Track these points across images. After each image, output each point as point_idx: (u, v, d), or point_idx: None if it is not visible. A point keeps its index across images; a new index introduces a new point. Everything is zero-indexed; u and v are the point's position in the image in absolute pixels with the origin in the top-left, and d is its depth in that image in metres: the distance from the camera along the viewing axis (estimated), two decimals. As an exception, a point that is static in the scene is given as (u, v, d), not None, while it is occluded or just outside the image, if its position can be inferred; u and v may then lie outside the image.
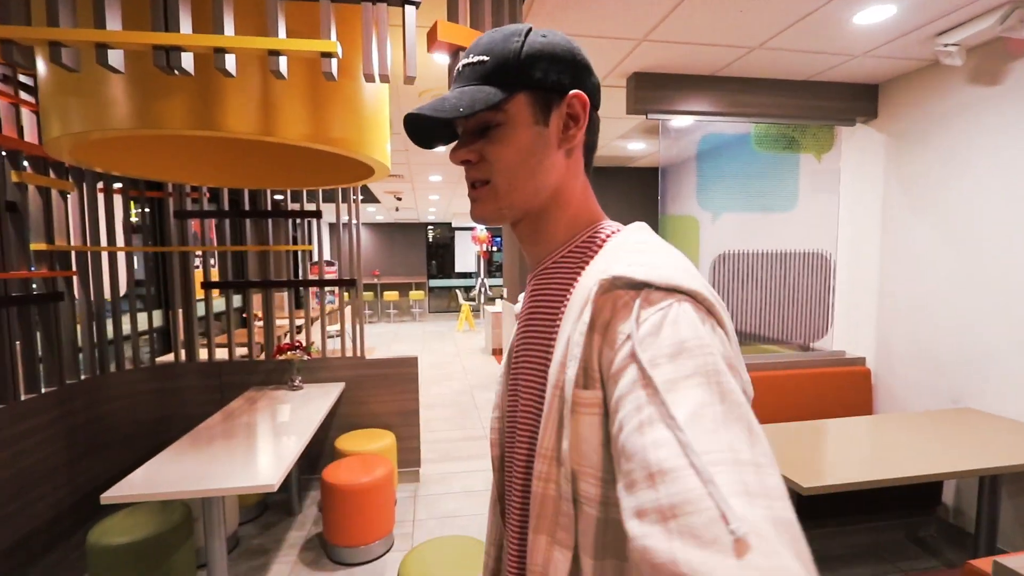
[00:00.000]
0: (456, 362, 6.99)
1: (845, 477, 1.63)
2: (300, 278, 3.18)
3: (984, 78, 2.30)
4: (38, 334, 2.38)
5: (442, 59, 2.22)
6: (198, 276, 3.12)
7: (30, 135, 2.27)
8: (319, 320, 3.30)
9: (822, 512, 2.40)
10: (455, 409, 4.76)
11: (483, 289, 10.91)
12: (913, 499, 2.51)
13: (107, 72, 1.14)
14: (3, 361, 2.14)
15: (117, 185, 2.82)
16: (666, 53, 2.41)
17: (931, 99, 2.54)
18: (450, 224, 13.25)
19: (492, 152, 0.54)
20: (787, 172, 3.10)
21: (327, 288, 3.18)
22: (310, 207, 3.17)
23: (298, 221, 3.32)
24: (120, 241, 2.87)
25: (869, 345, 2.95)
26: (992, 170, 2.28)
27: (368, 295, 11.39)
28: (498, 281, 12.96)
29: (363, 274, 3.23)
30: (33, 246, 2.33)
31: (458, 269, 13.77)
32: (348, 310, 3.59)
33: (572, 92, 0.54)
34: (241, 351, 3.20)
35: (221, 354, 3.18)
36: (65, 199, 2.50)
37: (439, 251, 13.96)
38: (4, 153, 2.17)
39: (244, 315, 3.25)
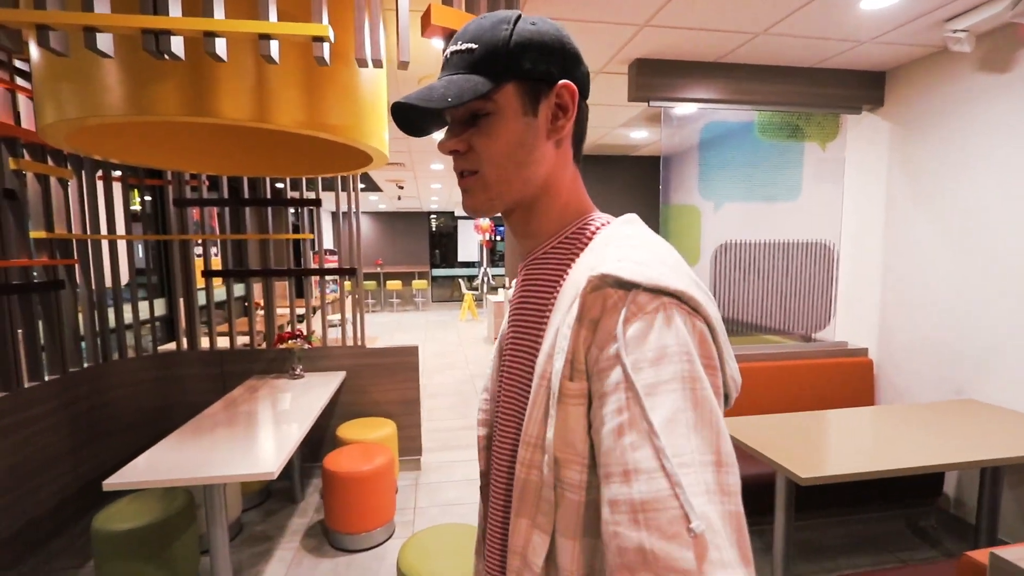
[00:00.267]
0: (459, 351, 7.01)
1: (845, 468, 1.63)
2: (301, 267, 3.18)
3: (994, 65, 2.25)
4: (40, 322, 2.39)
5: (438, 44, 2.19)
6: (199, 265, 3.12)
7: (27, 122, 2.26)
8: (320, 309, 3.31)
9: (823, 502, 2.40)
10: (457, 398, 4.78)
11: (486, 278, 10.90)
12: (915, 490, 2.51)
13: (99, 57, 1.13)
14: (5, 349, 2.15)
15: (116, 173, 2.82)
16: (668, 39, 2.37)
17: (939, 87, 2.50)
18: (453, 213, 13.22)
19: (480, 143, 0.54)
20: (791, 161, 3.06)
21: (328, 277, 3.18)
22: (310, 195, 3.16)
23: (298, 210, 3.30)
24: (121, 229, 2.87)
25: (872, 336, 2.94)
26: (1000, 160, 2.24)
27: (371, 284, 11.40)
28: (501, 271, 12.94)
29: (366, 263, 3.23)
30: (33, 234, 2.33)
31: (461, 258, 13.75)
32: (349, 299, 3.59)
33: (561, 82, 0.53)
34: (243, 340, 3.21)
35: (223, 343, 3.19)
36: (65, 187, 2.50)
37: (442, 240, 13.94)
38: (1, 140, 2.16)
39: (246, 304, 3.26)
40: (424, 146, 4.98)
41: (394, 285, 11.79)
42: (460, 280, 12.46)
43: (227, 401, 2.45)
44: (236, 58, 1.21)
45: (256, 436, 2.02)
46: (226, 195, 3.03)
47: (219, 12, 1.08)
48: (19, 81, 2.22)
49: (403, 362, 3.19)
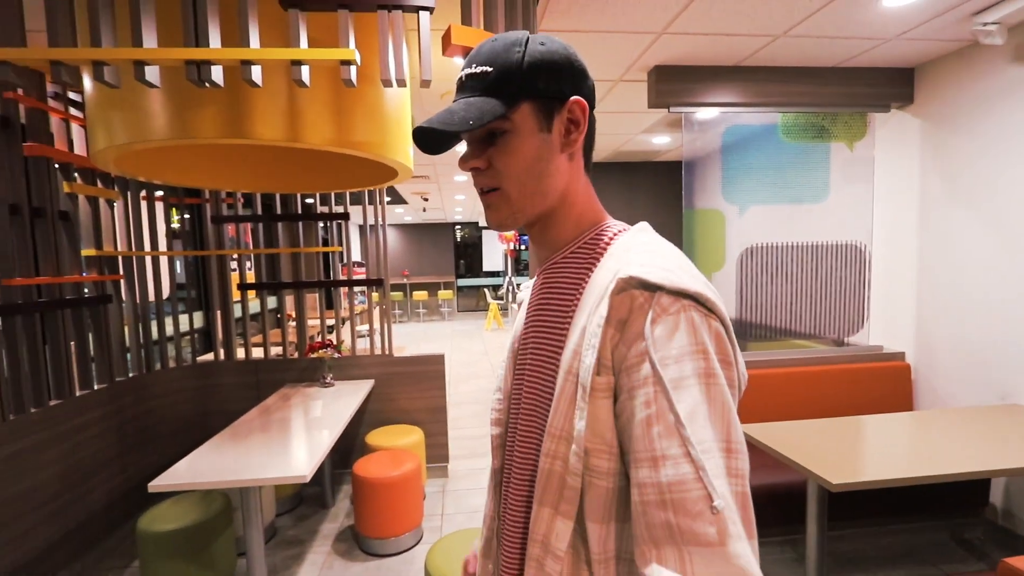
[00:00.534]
0: (484, 360, 7.05)
1: (880, 474, 1.58)
2: (331, 279, 3.28)
3: (1029, 57, 2.18)
4: (90, 335, 2.54)
5: (459, 61, 2.25)
6: (235, 278, 3.26)
7: (79, 148, 2.43)
8: (349, 320, 3.40)
9: (860, 512, 2.33)
10: (483, 406, 4.81)
11: (511, 288, 10.94)
12: (958, 499, 2.40)
13: (146, 87, 1.22)
14: (59, 359, 2.29)
15: (159, 193, 2.98)
16: (687, 45, 2.38)
17: (972, 81, 2.43)
18: (477, 223, 13.34)
19: (500, 160, 0.57)
20: (817, 162, 3.01)
21: (357, 288, 3.27)
22: (338, 209, 3.27)
23: (328, 223, 3.41)
24: (162, 246, 3.02)
25: (908, 339, 2.84)
26: (1039, 153, 2.16)
27: (397, 295, 11.59)
28: (526, 279, 12.95)
29: (393, 274, 3.30)
30: (84, 252, 2.49)
31: (486, 268, 13.85)
32: (377, 310, 3.68)
33: (573, 99, 0.57)
34: (276, 350, 3.33)
35: (257, 353, 3.32)
36: (112, 207, 2.66)
37: (467, 250, 14.08)
38: (57, 166, 2.33)
39: (278, 315, 3.38)
40: (447, 159, 5.07)
41: (420, 295, 11.95)
42: (485, 290, 12.54)
43: (262, 408, 2.55)
44: (270, 83, 1.29)
45: (289, 442, 2.09)
46: (259, 211, 3.16)
47: (254, 41, 1.16)
48: (72, 111, 2.39)
49: (430, 370, 3.25)
